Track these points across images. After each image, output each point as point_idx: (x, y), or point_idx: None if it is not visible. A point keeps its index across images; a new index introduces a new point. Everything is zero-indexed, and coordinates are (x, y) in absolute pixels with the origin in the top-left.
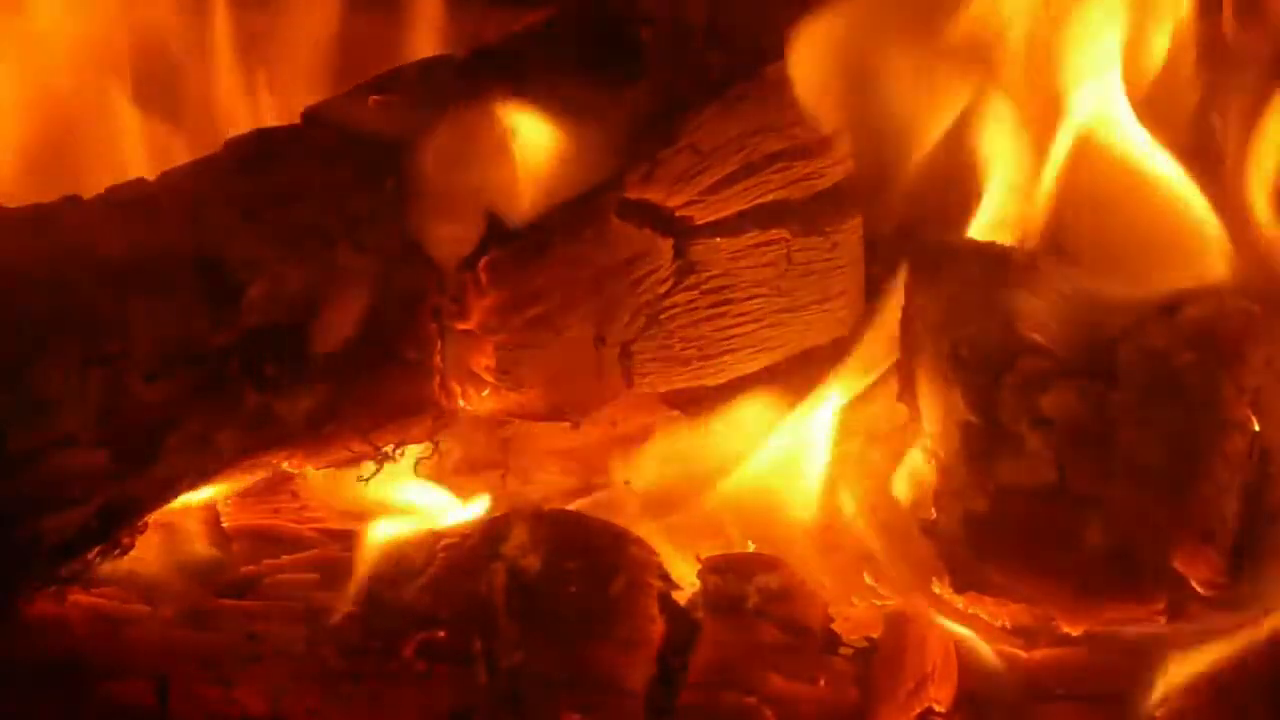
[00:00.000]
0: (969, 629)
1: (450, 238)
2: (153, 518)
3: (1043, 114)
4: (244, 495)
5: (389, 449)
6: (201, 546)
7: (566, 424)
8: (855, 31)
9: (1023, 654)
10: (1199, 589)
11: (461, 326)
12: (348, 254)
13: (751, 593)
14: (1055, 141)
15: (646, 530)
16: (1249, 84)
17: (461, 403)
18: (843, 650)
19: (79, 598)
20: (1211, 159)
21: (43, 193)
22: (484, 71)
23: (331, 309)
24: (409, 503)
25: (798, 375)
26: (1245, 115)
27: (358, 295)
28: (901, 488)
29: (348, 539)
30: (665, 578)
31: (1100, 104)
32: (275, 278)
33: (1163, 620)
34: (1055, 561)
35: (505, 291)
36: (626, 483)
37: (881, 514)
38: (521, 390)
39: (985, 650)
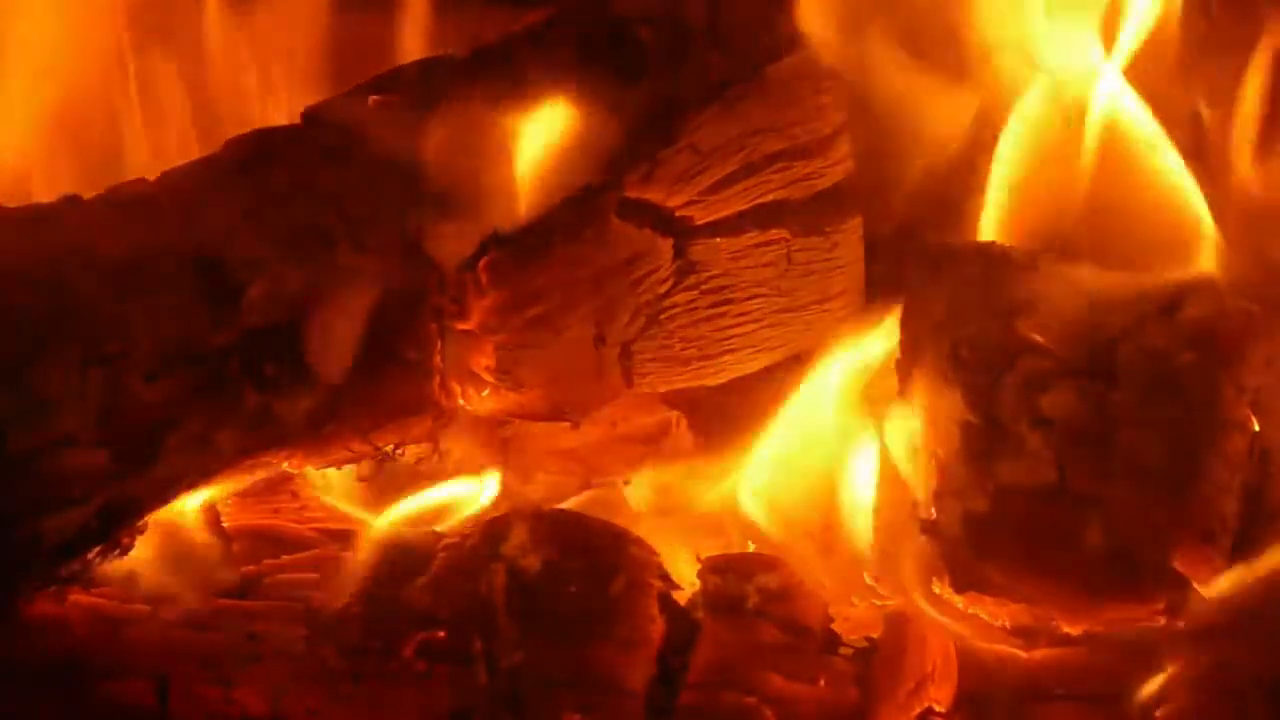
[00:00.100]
0: (969, 629)
1: (450, 238)
2: (153, 518)
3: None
4: (244, 495)
5: (389, 449)
6: (201, 547)
7: (566, 424)
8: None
9: (1023, 654)
10: (1199, 589)
11: (461, 326)
12: (348, 254)
13: (751, 593)
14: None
15: (646, 530)
16: (1232, 72)
17: (461, 403)
18: (843, 650)
19: (79, 598)
20: (1203, 150)
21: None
22: (484, 71)
23: (332, 309)
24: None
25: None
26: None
27: (360, 295)
28: (903, 487)
29: (348, 539)
30: (665, 578)
31: (1109, 99)
32: (275, 278)
33: (1163, 620)
34: (1055, 561)
35: (505, 291)
36: (626, 483)
37: (881, 514)
38: (521, 390)
39: (985, 650)
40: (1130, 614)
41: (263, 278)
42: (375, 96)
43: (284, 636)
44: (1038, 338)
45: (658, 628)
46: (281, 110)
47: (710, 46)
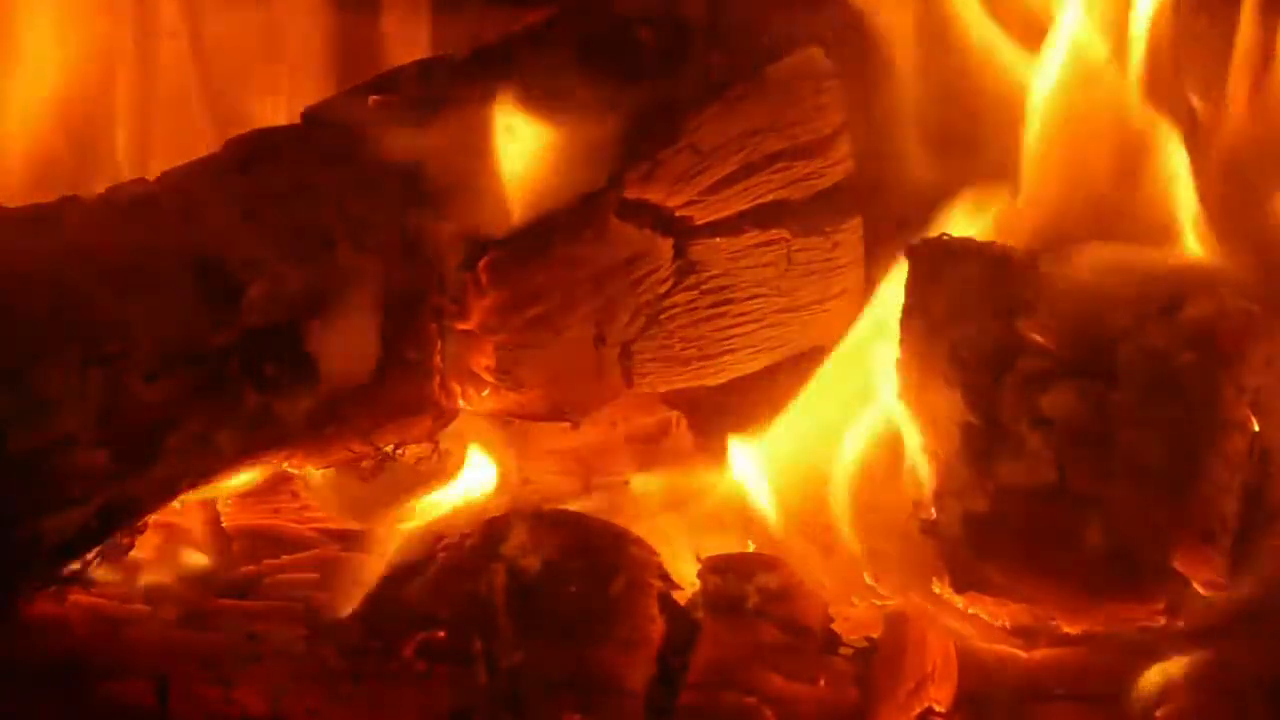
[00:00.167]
0: (969, 629)
1: (450, 238)
2: (153, 518)
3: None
4: (244, 495)
5: (389, 449)
6: (201, 546)
7: (566, 424)
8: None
9: (1023, 654)
10: (1199, 589)
11: (461, 326)
12: (348, 254)
13: (751, 593)
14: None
15: (646, 530)
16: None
17: (461, 403)
18: (843, 650)
19: (79, 598)
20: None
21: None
22: (484, 71)
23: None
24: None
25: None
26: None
27: (362, 296)
28: (902, 488)
29: (348, 539)
30: (665, 578)
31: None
32: (275, 278)
33: (1163, 620)
34: (1055, 561)
35: (505, 291)
36: (626, 483)
37: (881, 514)
38: (521, 390)
39: (985, 650)
40: (1130, 614)
41: (263, 278)
42: (375, 96)
43: (284, 636)
44: (1038, 338)
45: (658, 628)
46: (281, 110)
47: (710, 46)
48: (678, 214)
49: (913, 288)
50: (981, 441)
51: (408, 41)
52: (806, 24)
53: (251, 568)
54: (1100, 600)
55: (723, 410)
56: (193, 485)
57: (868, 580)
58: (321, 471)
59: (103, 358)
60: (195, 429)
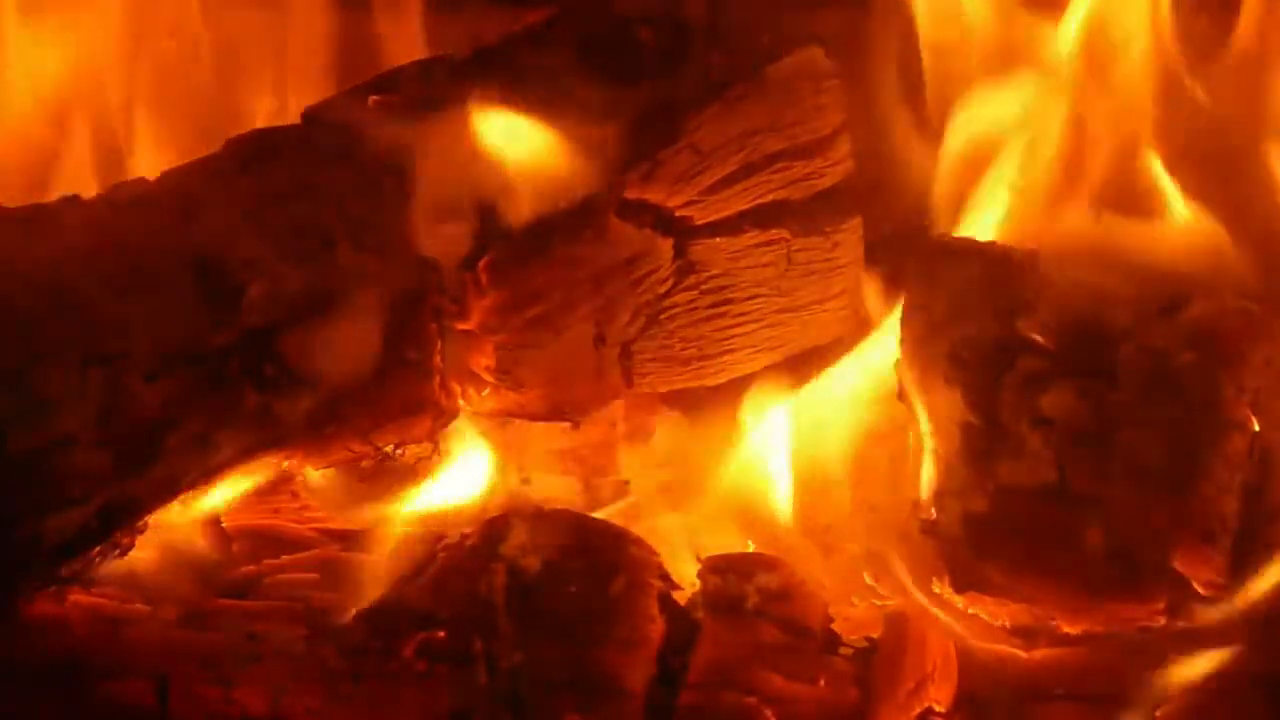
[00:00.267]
0: (969, 629)
1: (450, 238)
2: (153, 518)
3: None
4: (244, 495)
5: (389, 449)
6: (201, 546)
7: (566, 424)
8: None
9: (1023, 654)
10: (1199, 589)
11: (461, 326)
12: (348, 254)
13: (751, 593)
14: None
15: (646, 530)
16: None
17: (461, 403)
18: (843, 650)
19: (79, 598)
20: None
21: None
22: (484, 71)
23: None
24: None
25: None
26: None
27: (362, 296)
28: (902, 487)
29: (348, 539)
30: (665, 578)
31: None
32: (275, 278)
33: (1163, 620)
34: (1055, 561)
35: (505, 291)
36: (626, 483)
37: (881, 514)
38: (521, 390)
39: (985, 650)
40: (1130, 614)
41: (263, 278)
42: (375, 96)
43: (284, 636)
44: (1038, 338)
45: (658, 628)
46: (281, 110)
47: (710, 46)
48: (678, 214)
49: (913, 288)
50: (981, 441)
51: (407, 41)
52: (806, 24)
53: (251, 568)
54: (1100, 600)
55: (722, 410)
56: (193, 485)
57: (868, 580)
58: (321, 471)
59: (103, 358)
60: (195, 429)
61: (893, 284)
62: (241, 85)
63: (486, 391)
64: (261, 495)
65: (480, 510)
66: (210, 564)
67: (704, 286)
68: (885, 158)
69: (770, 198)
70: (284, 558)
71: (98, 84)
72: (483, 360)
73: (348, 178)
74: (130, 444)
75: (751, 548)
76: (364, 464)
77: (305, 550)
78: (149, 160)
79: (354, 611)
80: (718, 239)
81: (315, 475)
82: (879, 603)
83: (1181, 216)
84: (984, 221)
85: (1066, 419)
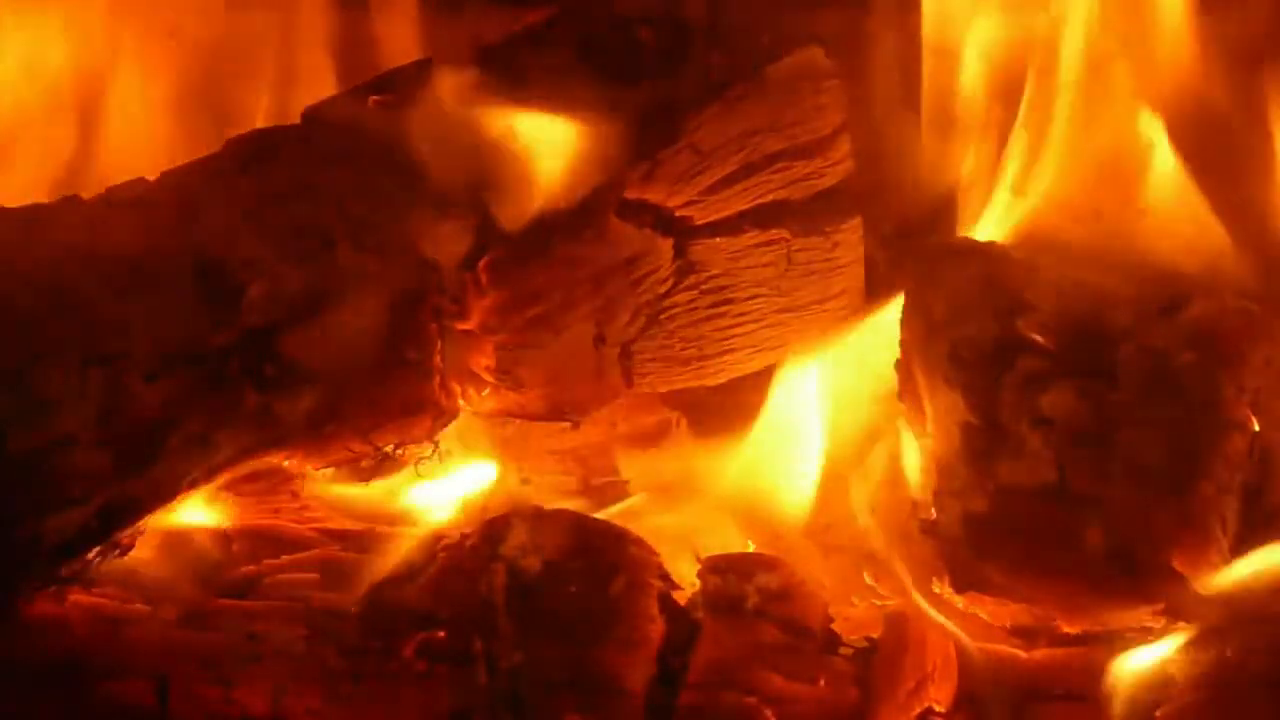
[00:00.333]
0: (969, 629)
1: (450, 238)
2: (152, 518)
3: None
4: (244, 495)
5: (389, 449)
6: (201, 546)
7: (566, 424)
8: None
9: (1023, 654)
10: (1199, 589)
11: (461, 326)
12: (348, 254)
13: (751, 593)
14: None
15: (646, 530)
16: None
17: (461, 403)
18: (843, 650)
19: (79, 598)
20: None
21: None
22: (484, 71)
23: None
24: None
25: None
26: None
27: (362, 296)
28: (902, 487)
29: (348, 539)
30: (665, 578)
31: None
32: (275, 278)
33: (1163, 620)
34: (1055, 561)
35: (505, 291)
36: (626, 483)
37: (881, 514)
38: (521, 390)
39: (985, 650)
40: (1130, 614)
41: (263, 278)
42: (375, 96)
43: (284, 636)
44: (1038, 338)
45: (658, 628)
46: (281, 110)
47: (710, 46)
48: (678, 214)
49: (913, 288)
50: (981, 441)
51: (407, 41)
52: (806, 24)
53: (251, 568)
54: (1100, 600)
55: (723, 410)
56: (193, 485)
57: (868, 580)
58: (321, 471)
59: (103, 358)
60: (195, 429)
61: (893, 284)
62: (241, 85)
63: (486, 391)
64: (261, 495)
65: (480, 510)
66: (210, 564)
67: (704, 286)
68: (885, 158)
69: (770, 198)
70: (284, 558)
71: (98, 84)
72: (483, 360)
73: (348, 178)
74: (130, 444)
75: (751, 548)
76: (364, 464)
77: (305, 550)
78: (149, 160)
79: (354, 611)
80: (718, 239)
81: (315, 475)
82: (879, 603)
83: (1181, 217)
84: (984, 221)
85: (1066, 419)
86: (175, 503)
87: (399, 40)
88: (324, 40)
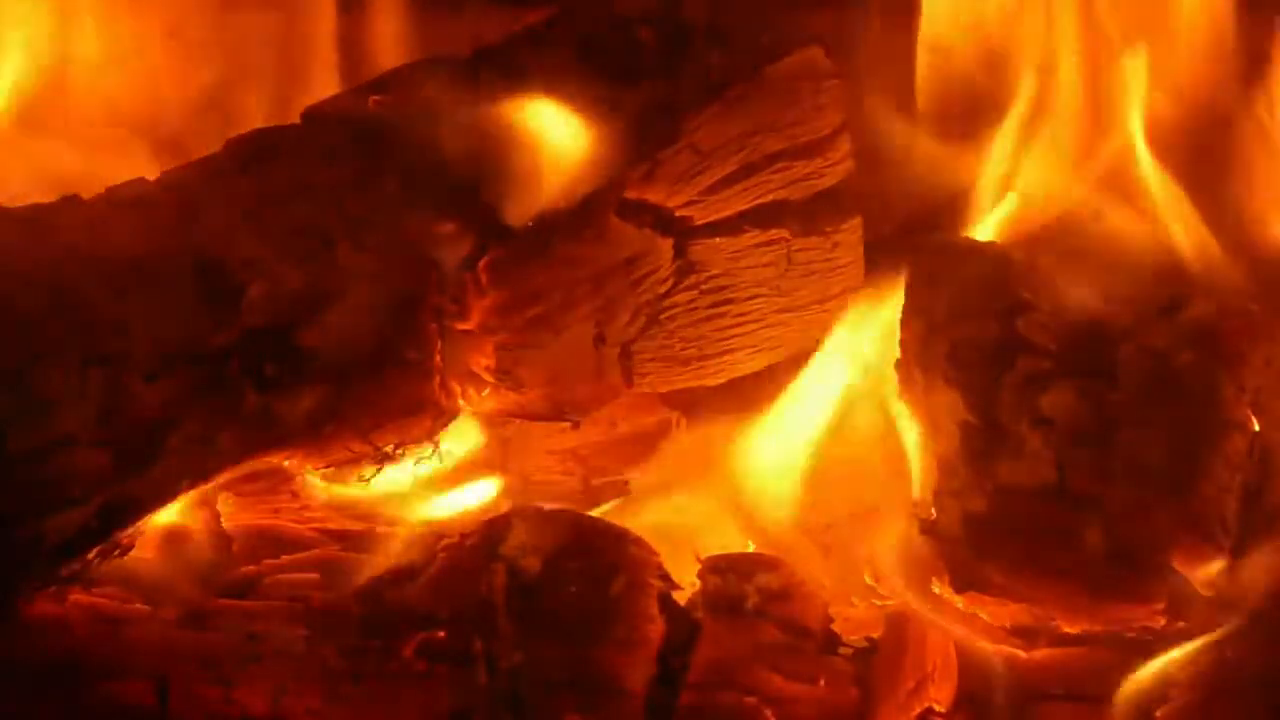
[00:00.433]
0: (969, 629)
1: (450, 237)
2: (152, 518)
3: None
4: (244, 495)
5: (389, 449)
6: (201, 546)
7: (566, 424)
8: None
9: (1023, 654)
10: (1199, 589)
11: (461, 326)
12: (348, 254)
13: (751, 593)
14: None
15: (646, 530)
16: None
17: (461, 403)
18: (843, 650)
19: (79, 598)
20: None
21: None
22: (484, 71)
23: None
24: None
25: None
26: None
27: (362, 296)
28: (902, 487)
29: (348, 539)
30: (665, 578)
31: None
32: (275, 278)
33: (1163, 620)
34: (1055, 561)
35: (505, 291)
36: (626, 483)
37: (881, 514)
38: (521, 390)
39: (985, 650)
40: (1130, 614)
41: (263, 278)
42: (375, 96)
43: (284, 636)
44: (1038, 338)
45: (658, 628)
46: (281, 110)
47: (710, 46)
48: (678, 214)
49: (913, 288)
50: (981, 441)
51: (407, 42)
52: (806, 24)
53: (251, 568)
54: (1100, 600)
55: (723, 410)
56: (193, 485)
57: (868, 580)
58: (321, 471)
59: (103, 358)
60: (195, 429)
61: (892, 284)
62: (241, 85)
63: (486, 391)
64: (261, 495)
65: (480, 510)
66: (210, 564)
67: (704, 286)
68: (885, 158)
69: (770, 198)
70: (284, 558)
71: (98, 84)
72: (483, 360)
73: (348, 178)
74: (130, 444)
75: (751, 548)
76: (364, 464)
77: (305, 550)
78: (149, 160)
79: (354, 612)
80: (718, 239)
81: (315, 475)
82: (879, 603)
83: (1178, 217)
84: (984, 222)
85: (1066, 419)
86: (175, 503)
87: (399, 40)
88: (324, 40)
